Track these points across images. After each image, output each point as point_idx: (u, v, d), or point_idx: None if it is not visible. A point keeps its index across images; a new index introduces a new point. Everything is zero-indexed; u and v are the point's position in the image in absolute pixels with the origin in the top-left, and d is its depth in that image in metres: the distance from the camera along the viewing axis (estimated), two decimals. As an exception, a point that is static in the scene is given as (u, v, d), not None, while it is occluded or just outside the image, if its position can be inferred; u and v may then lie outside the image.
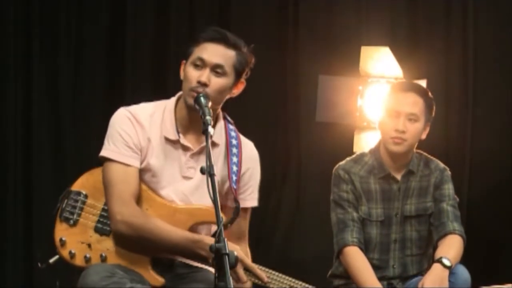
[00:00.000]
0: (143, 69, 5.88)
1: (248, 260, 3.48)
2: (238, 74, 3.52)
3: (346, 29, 6.05)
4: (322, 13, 6.12)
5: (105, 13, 5.87)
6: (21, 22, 5.68)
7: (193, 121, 3.51)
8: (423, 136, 4.28)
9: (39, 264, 3.50)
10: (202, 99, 3.39)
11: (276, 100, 6.10)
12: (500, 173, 5.91)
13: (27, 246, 5.58)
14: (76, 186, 3.52)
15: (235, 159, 3.58)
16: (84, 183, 3.53)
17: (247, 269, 3.45)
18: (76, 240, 3.45)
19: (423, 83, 5.39)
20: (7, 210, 5.61)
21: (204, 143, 3.47)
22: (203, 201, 3.47)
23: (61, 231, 3.47)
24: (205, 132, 3.26)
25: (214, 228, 3.59)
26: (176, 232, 3.41)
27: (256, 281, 3.50)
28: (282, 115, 6.11)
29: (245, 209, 3.65)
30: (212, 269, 3.45)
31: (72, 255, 3.44)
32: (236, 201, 3.52)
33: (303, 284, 3.60)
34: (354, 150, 5.28)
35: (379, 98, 4.97)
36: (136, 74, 5.84)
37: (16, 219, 5.63)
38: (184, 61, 3.55)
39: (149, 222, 3.41)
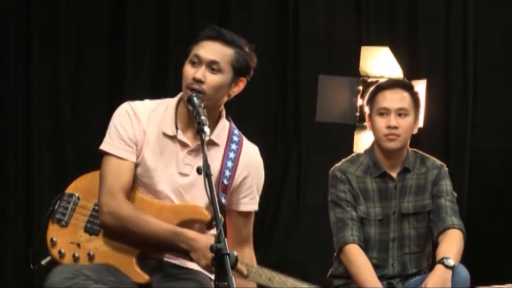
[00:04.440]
0: (143, 69, 5.88)
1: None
2: (236, 72, 3.50)
3: (346, 29, 6.06)
4: (322, 13, 6.12)
5: (105, 12, 5.87)
6: (21, 22, 5.68)
7: (193, 118, 3.49)
8: (415, 131, 4.30)
9: (31, 266, 3.51)
10: (195, 99, 3.38)
11: (276, 100, 6.11)
12: (500, 173, 5.92)
13: (27, 246, 5.58)
14: (69, 189, 3.55)
15: (232, 155, 3.57)
16: (77, 186, 3.56)
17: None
18: (66, 240, 3.48)
19: (423, 83, 5.40)
20: (7, 210, 5.61)
21: None
22: (198, 199, 3.48)
23: (52, 231, 3.49)
24: (200, 132, 3.25)
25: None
26: (159, 224, 3.42)
27: (237, 275, 3.43)
28: (282, 115, 6.11)
29: (248, 214, 3.64)
30: (203, 271, 3.48)
31: (62, 255, 3.46)
32: (219, 197, 3.49)
33: (282, 276, 3.58)
34: (354, 150, 5.28)
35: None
36: (136, 74, 5.84)
37: (16, 220, 5.63)
38: (185, 61, 3.56)
39: (134, 214, 3.43)
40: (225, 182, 3.54)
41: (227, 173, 3.54)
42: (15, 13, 5.65)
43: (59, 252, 3.46)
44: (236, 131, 3.61)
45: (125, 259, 3.46)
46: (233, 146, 3.57)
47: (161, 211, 3.48)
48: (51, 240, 3.47)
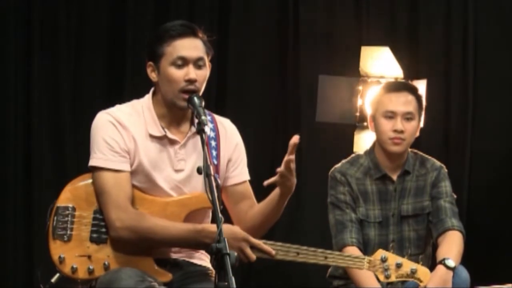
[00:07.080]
0: (143, 69, 5.86)
1: (252, 238, 3.45)
2: (208, 58, 3.55)
3: (346, 29, 6.06)
4: (322, 13, 6.12)
5: (105, 13, 5.87)
6: (21, 22, 5.67)
7: (174, 116, 3.53)
8: (417, 133, 4.31)
9: (41, 286, 3.45)
10: (195, 99, 3.41)
11: (276, 100, 6.10)
12: (500, 173, 5.92)
13: (27, 247, 5.58)
14: (61, 202, 3.46)
15: (212, 134, 3.57)
16: (68, 197, 3.47)
17: (253, 247, 3.44)
18: (74, 254, 3.41)
19: (423, 83, 5.40)
20: (7, 210, 5.60)
21: (189, 133, 3.53)
22: (197, 190, 3.50)
23: (57, 249, 3.41)
24: (200, 132, 3.27)
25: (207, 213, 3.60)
26: (178, 226, 3.41)
27: (265, 256, 3.48)
28: (282, 115, 6.11)
29: (244, 184, 3.65)
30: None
31: (74, 270, 3.39)
32: (215, 179, 3.45)
33: (309, 248, 3.58)
34: (354, 150, 5.29)
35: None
36: (136, 74, 5.84)
37: (16, 220, 5.62)
38: (150, 62, 3.58)
39: (151, 222, 3.41)
40: (215, 162, 3.55)
41: (214, 152, 3.57)
42: (15, 13, 5.65)
43: (72, 268, 3.39)
44: (206, 111, 3.60)
45: (144, 261, 3.42)
46: (210, 125, 3.58)
47: (167, 207, 3.47)
48: (59, 257, 3.39)
